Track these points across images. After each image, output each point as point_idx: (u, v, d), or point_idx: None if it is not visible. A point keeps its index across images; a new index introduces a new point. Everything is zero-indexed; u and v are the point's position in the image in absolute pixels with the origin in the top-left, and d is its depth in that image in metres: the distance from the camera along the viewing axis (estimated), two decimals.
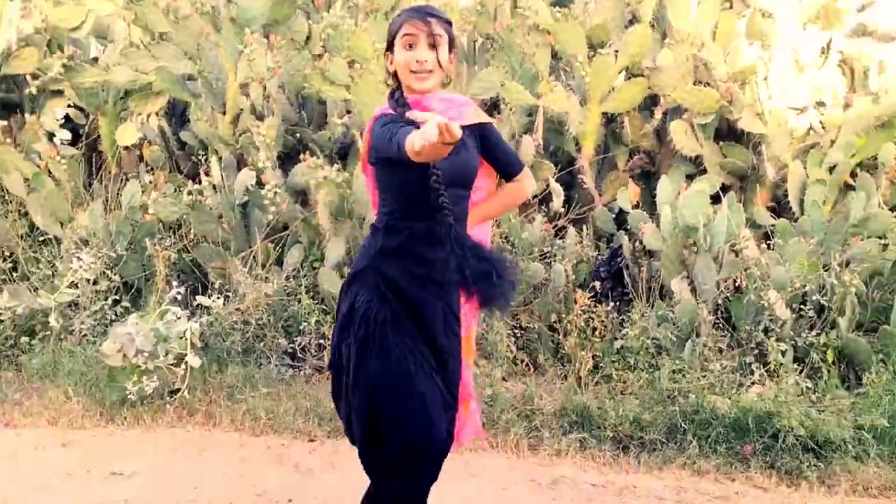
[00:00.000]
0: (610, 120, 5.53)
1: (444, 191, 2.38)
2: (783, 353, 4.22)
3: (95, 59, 6.05)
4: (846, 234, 4.72)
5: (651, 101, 5.44)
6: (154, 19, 5.68)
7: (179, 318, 4.42)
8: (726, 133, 5.42)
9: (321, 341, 4.69)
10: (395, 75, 2.53)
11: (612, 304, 4.69)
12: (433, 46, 2.45)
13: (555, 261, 4.87)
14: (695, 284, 4.60)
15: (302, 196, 5.27)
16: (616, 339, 4.54)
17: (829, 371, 4.22)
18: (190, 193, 5.06)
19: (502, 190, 2.73)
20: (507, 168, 2.67)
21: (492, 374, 4.29)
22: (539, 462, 3.86)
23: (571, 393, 4.24)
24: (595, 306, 4.61)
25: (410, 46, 2.45)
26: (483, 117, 2.58)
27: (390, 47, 2.51)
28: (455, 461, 3.57)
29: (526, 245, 4.90)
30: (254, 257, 5.00)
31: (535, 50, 5.37)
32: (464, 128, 2.42)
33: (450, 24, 2.51)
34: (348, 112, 5.40)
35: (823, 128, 5.21)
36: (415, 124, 2.24)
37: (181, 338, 4.32)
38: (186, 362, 4.30)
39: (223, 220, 5.10)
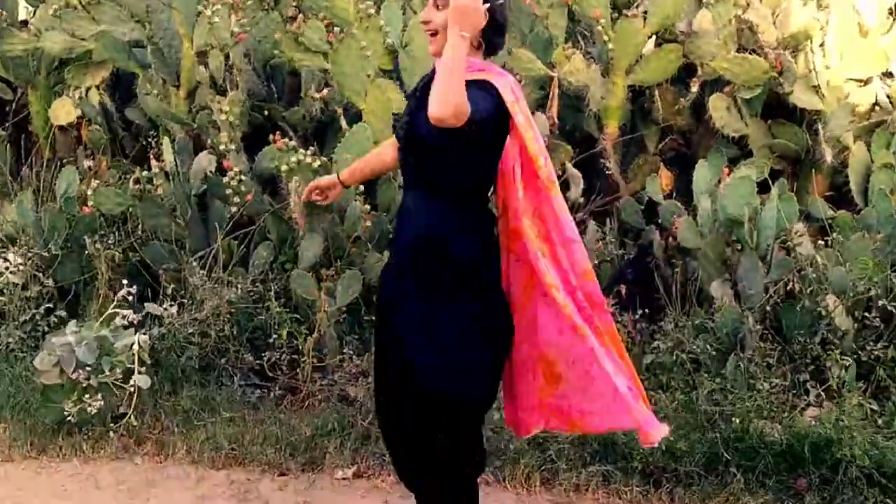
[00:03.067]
0: (638, 94, 5.54)
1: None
2: (844, 370, 4.23)
3: (25, 23, 6.05)
4: None
5: (687, 72, 5.45)
6: None
7: (131, 323, 4.41)
8: (776, 109, 5.42)
9: (294, 356, 4.70)
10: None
11: (640, 311, 4.70)
12: (440, 7, 2.72)
13: None
14: (739, 288, 4.60)
15: (271, 185, 5.26)
16: (646, 353, 4.55)
17: None
18: (137, 182, 5.06)
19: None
20: None
21: (498, 397, 4.28)
22: (554, 499, 3.87)
23: None
24: (620, 314, 4.62)
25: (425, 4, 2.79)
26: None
27: None
28: None
29: None
30: (213, 257, 5.00)
31: (548, 11, 5.38)
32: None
33: None
34: (327, 85, 5.41)
35: (891, 103, 5.22)
36: None
37: (128, 352, 4.32)
38: (134, 382, 4.30)
39: (177, 213, 5.11)
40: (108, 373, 4.28)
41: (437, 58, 2.79)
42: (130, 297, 4.58)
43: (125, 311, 4.44)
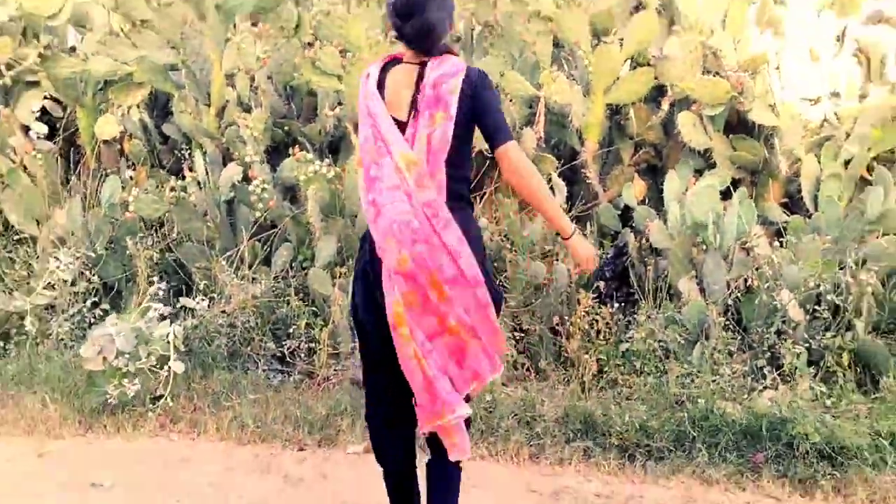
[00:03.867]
0: (615, 112, 5.53)
1: None
2: (797, 357, 4.22)
3: (73, 49, 6.04)
4: (862, 231, 4.71)
5: (658, 92, 5.43)
6: (135, 6, 5.67)
7: (164, 317, 4.41)
8: (737, 125, 5.40)
9: (311, 345, 4.69)
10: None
11: (616, 305, 4.68)
12: None
13: (557, 260, 4.86)
14: (704, 284, 4.59)
15: (291, 192, 5.26)
16: (621, 341, 4.53)
17: (844, 375, 4.22)
18: (173, 190, 5.05)
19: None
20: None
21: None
22: (541, 471, 3.86)
23: (575, 399, 4.23)
24: (599, 308, 4.61)
25: None
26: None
27: None
28: None
29: (526, 243, 4.89)
30: (240, 257, 4.99)
31: (536, 38, 5.37)
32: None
33: None
34: (339, 104, 5.39)
35: (839, 119, 5.20)
36: None
37: (164, 341, 4.32)
38: (170, 367, 4.29)
39: (208, 217, 5.09)
40: (144, 359, 4.27)
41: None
42: (161, 293, 4.58)
43: (157, 305, 4.43)
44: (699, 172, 5.21)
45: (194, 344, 4.62)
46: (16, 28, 6.04)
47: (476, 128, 2.72)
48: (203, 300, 4.73)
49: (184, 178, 5.17)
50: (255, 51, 5.39)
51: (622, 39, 5.25)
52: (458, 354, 2.72)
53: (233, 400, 4.39)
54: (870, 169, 5.08)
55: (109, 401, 4.22)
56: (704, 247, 4.64)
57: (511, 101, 5.22)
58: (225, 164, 5.26)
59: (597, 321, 4.57)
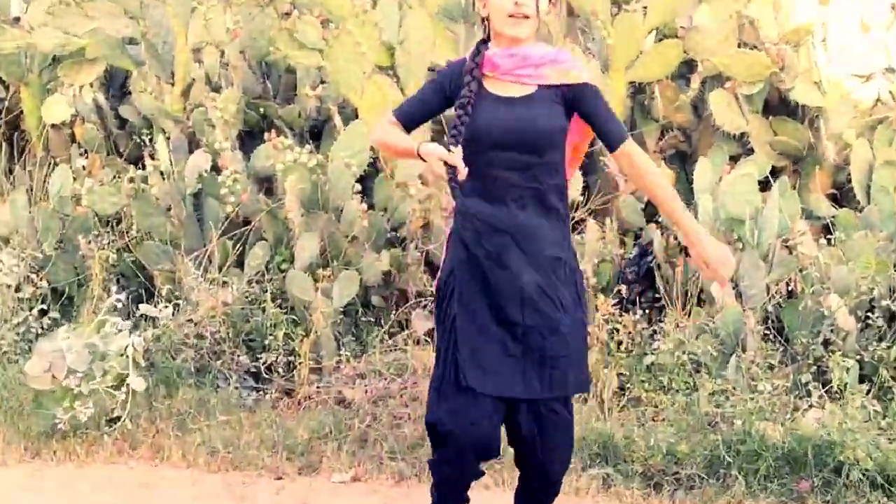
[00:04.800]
0: (637, 90, 5.53)
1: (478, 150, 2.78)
2: (847, 371, 4.21)
3: (17, 20, 6.03)
4: None
5: (687, 68, 5.44)
6: None
7: (120, 330, 4.41)
8: (777, 106, 5.42)
9: (290, 358, 4.68)
10: (485, 20, 2.87)
11: (640, 312, 4.68)
12: None
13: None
14: (740, 288, 4.59)
15: (267, 184, 5.26)
16: (646, 354, 4.53)
17: None
18: (131, 181, 5.06)
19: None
20: (606, 139, 2.88)
21: None
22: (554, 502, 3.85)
23: (592, 419, 4.23)
24: (621, 315, 4.61)
25: None
26: (571, 77, 2.81)
27: None
28: None
29: None
30: (209, 258, 4.99)
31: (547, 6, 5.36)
32: (546, 86, 2.80)
33: None
34: (322, 82, 5.40)
35: (894, 99, 5.20)
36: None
37: (122, 355, 4.31)
38: (128, 385, 4.29)
39: (172, 212, 5.10)
40: (99, 378, 4.26)
41: (518, 42, 2.82)
42: (120, 304, 4.57)
43: (114, 319, 4.42)
44: (734, 160, 5.21)
45: (156, 357, 4.61)
46: None
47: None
48: (166, 307, 4.71)
49: (144, 167, 5.17)
50: (225, 21, 5.39)
51: (646, 8, 5.26)
52: None
53: (200, 421, 4.38)
54: None
55: (59, 425, 4.22)
56: (741, 245, 4.64)
57: None
58: (191, 152, 5.26)
59: (618, 330, 4.58)
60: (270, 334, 4.71)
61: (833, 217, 4.95)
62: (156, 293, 5.00)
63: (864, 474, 3.77)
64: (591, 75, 2.90)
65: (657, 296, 4.82)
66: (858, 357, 4.29)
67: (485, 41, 2.89)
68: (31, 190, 5.48)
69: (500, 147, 2.79)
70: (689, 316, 4.59)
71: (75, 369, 4.23)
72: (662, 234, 4.92)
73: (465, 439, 2.83)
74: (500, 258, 2.83)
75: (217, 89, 5.38)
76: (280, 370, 4.69)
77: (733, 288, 4.61)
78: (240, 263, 5.05)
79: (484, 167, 2.81)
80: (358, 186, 4.98)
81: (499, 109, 2.82)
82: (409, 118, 3.00)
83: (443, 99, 2.96)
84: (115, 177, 5.34)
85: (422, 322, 4.74)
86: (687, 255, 4.82)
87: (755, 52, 5.18)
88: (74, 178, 5.31)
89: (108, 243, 5.12)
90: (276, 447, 4.20)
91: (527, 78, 2.81)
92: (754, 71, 5.16)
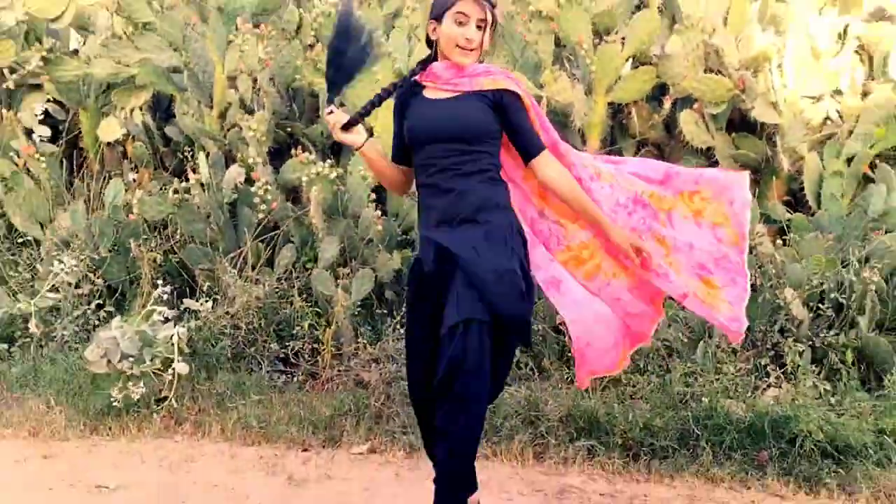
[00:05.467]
0: (617, 111, 5.53)
1: (430, 143, 2.86)
2: (800, 355, 4.22)
3: (76, 52, 6.04)
4: (865, 229, 4.72)
5: (660, 91, 5.43)
6: (137, 9, 5.67)
7: (168, 319, 4.42)
8: (739, 123, 5.42)
9: (315, 345, 4.69)
10: (433, 43, 2.92)
11: None
12: (480, 28, 2.83)
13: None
14: None
15: (293, 193, 5.27)
16: None
17: (848, 373, 4.22)
18: (176, 192, 5.06)
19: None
20: (520, 150, 2.92)
21: None
22: (544, 471, 3.86)
23: (578, 398, 4.23)
24: None
25: (461, 24, 2.82)
26: (500, 84, 2.85)
27: (438, 18, 2.86)
28: None
29: None
30: (243, 258, 5.00)
31: (537, 37, 5.37)
32: (481, 92, 2.85)
33: (494, 6, 2.86)
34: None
35: (841, 117, 5.20)
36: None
37: (168, 343, 4.33)
38: (174, 369, 4.30)
39: (211, 219, 5.10)
40: (148, 362, 4.28)
41: (462, 66, 2.87)
42: (166, 296, 4.57)
43: (160, 308, 4.44)
44: None
45: (198, 345, 4.62)
46: (18, 31, 6.06)
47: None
48: (207, 302, 4.73)
49: (187, 179, 5.17)
50: (257, 52, 5.39)
51: (624, 38, 5.26)
52: None
53: (237, 401, 4.40)
54: (872, 166, 5.09)
55: (114, 404, 4.23)
56: None
57: None
58: (227, 166, 5.26)
59: None
60: (297, 325, 4.73)
61: (788, 220, 4.95)
62: (197, 289, 5.01)
63: (815, 445, 3.78)
64: (523, 91, 2.89)
65: None
66: (810, 343, 4.30)
67: (432, 58, 2.94)
68: (89, 200, 5.48)
69: (431, 140, 2.86)
70: (663, 307, 4.57)
71: (128, 354, 4.24)
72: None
73: None
74: (439, 225, 2.90)
75: (250, 112, 5.38)
76: (306, 356, 4.70)
77: None
78: (270, 263, 5.06)
79: (425, 160, 2.90)
80: (373, 196, 4.98)
81: (430, 108, 2.89)
82: (397, 155, 3.06)
83: (402, 121, 3.00)
84: (161, 188, 5.35)
85: None
86: None
87: (720, 77, 5.18)
88: (126, 190, 5.32)
89: (156, 246, 5.13)
90: (302, 423, 4.21)
91: (462, 86, 2.86)
92: (719, 93, 5.16)
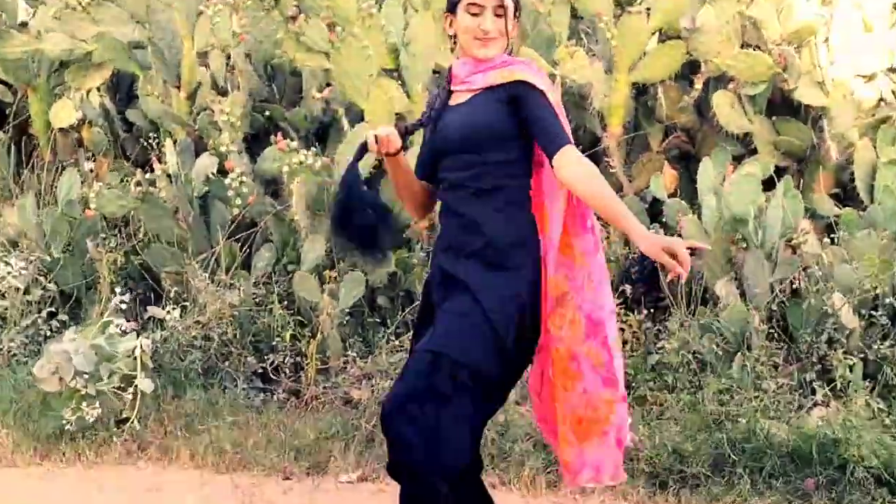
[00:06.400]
0: (641, 91, 5.52)
1: (442, 156, 2.87)
2: (851, 369, 4.22)
3: (24, 25, 6.03)
4: None
5: (690, 69, 5.43)
6: None
7: (127, 332, 4.42)
8: (780, 106, 5.41)
9: (297, 359, 4.70)
10: (454, 37, 2.89)
11: (645, 311, 4.69)
12: (500, 16, 2.79)
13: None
14: (744, 287, 4.59)
15: (273, 186, 5.27)
16: (650, 353, 4.54)
17: None
18: (139, 184, 5.06)
19: None
20: (542, 145, 2.79)
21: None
22: (559, 501, 3.86)
23: None
24: (625, 315, 4.62)
25: (475, 14, 2.79)
26: (515, 76, 2.78)
27: (452, 9, 2.84)
28: None
29: None
30: (216, 260, 5.00)
31: (550, 8, 5.37)
32: (491, 87, 2.80)
33: None
34: (328, 85, 5.40)
35: None
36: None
37: (129, 356, 4.32)
38: (136, 386, 4.30)
39: (179, 215, 5.11)
40: (106, 380, 4.28)
41: (484, 59, 2.83)
42: (125, 305, 4.57)
43: (119, 320, 4.43)
44: (738, 160, 5.20)
45: (164, 359, 4.62)
46: None
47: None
48: (174, 309, 4.74)
49: (151, 170, 5.18)
50: (231, 25, 5.39)
51: (649, 9, 5.25)
52: None
53: (209, 422, 4.40)
54: None
55: (67, 427, 4.23)
56: (745, 245, 4.64)
57: None
58: (198, 155, 5.27)
59: (623, 330, 4.57)
60: (277, 336, 4.73)
61: (836, 216, 4.94)
62: (163, 295, 5.01)
63: (868, 471, 3.77)
64: (546, 84, 2.83)
65: (661, 295, 4.82)
66: (862, 355, 4.29)
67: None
68: (40, 194, 5.49)
69: (450, 151, 2.84)
70: (693, 315, 4.59)
71: (82, 371, 4.24)
72: (667, 234, 4.91)
73: None
74: (447, 251, 2.87)
75: (223, 93, 5.38)
76: (287, 371, 4.70)
77: (737, 287, 4.62)
78: (246, 265, 5.06)
79: (440, 174, 2.89)
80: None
81: (448, 117, 2.87)
82: (421, 169, 3.03)
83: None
84: (122, 180, 5.36)
85: None
86: (692, 254, 4.83)
87: (758, 53, 5.17)
88: (82, 182, 5.33)
89: (116, 246, 5.14)
90: (283, 448, 4.21)
91: (475, 84, 2.84)
92: (757, 71, 5.15)
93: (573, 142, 2.80)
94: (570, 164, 2.72)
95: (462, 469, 2.78)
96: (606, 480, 2.92)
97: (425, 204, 3.08)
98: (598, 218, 2.95)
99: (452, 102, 2.90)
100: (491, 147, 2.78)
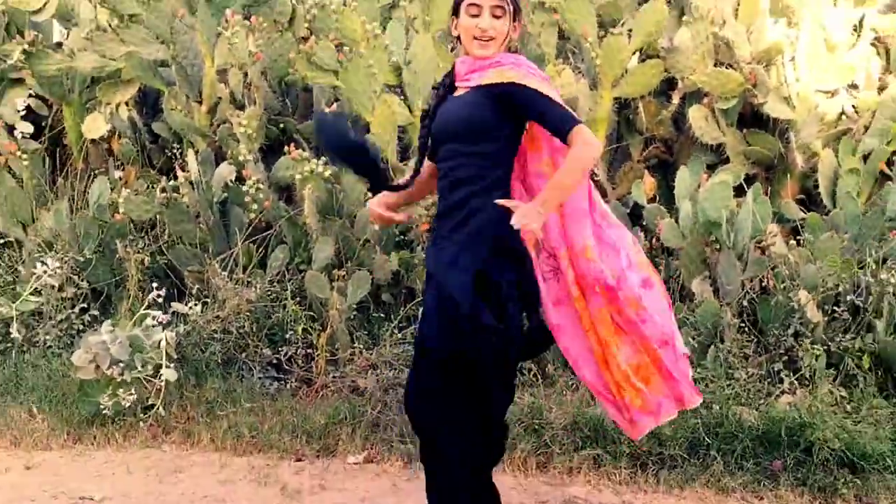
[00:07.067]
0: (623, 106, 5.52)
1: (439, 144, 2.92)
2: (815, 359, 4.21)
3: (59, 45, 6.03)
4: (883, 229, 4.71)
5: (668, 85, 5.42)
6: (123, 0, 5.66)
7: (161, 323, 4.42)
8: (750, 119, 5.40)
9: (308, 351, 4.69)
10: (458, 39, 2.93)
11: None
12: (497, 17, 2.84)
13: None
14: (718, 285, 4.59)
15: (286, 192, 5.26)
16: None
17: (865, 378, 4.21)
18: (164, 190, 5.05)
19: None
20: (554, 134, 2.81)
21: None
22: (549, 481, 3.86)
23: (583, 405, 4.22)
24: None
25: (474, 15, 2.84)
26: (506, 77, 2.80)
27: (456, 11, 2.89)
28: None
29: None
30: (234, 260, 4.99)
31: (540, 29, 5.36)
32: (479, 87, 2.83)
33: None
34: (336, 100, 5.40)
35: (856, 112, 5.20)
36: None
37: (156, 348, 4.32)
38: (161, 375, 4.29)
39: (200, 219, 5.10)
40: (139, 369, 4.27)
41: (482, 58, 2.87)
42: (160, 299, 4.56)
43: (155, 312, 4.43)
44: (712, 168, 5.20)
45: (187, 351, 4.61)
46: None
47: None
48: (196, 305, 4.72)
49: (175, 178, 5.18)
50: (248, 45, 5.38)
51: (630, 30, 5.24)
52: None
53: (227, 409, 4.39)
54: (889, 163, 5.10)
55: (103, 412, 4.22)
56: (718, 246, 4.64)
57: None
58: (217, 164, 5.26)
59: None
60: (290, 329, 4.72)
61: (802, 220, 4.94)
62: (186, 292, 5.00)
63: (831, 453, 3.77)
64: (536, 79, 2.81)
65: None
66: (826, 347, 4.28)
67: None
68: (73, 199, 5.48)
69: (443, 140, 2.89)
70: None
71: (118, 359, 4.23)
72: (646, 236, 4.91)
73: None
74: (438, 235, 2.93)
75: (241, 107, 5.37)
76: (299, 362, 4.69)
77: (711, 285, 4.61)
78: (262, 265, 5.04)
79: (440, 163, 2.93)
80: (370, 195, 4.95)
81: (445, 108, 2.94)
82: (424, 150, 3.08)
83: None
84: (148, 187, 5.34)
85: None
86: (669, 254, 4.84)
87: (730, 71, 5.17)
88: (112, 189, 5.31)
89: (143, 247, 5.12)
90: (296, 431, 4.21)
91: (472, 81, 2.87)
92: (729, 87, 5.15)
93: (578, 119, 2.80)
94: (575, 144, 2.72)
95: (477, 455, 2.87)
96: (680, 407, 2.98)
97: (427, 183, 3.12)
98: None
99: (454, 95, 2.95)
100: (476, 137, 2.82)
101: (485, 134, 2.83)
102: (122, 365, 4.24)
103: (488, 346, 2.74)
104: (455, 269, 2.78)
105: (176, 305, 4.69)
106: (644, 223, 5.01)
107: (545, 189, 2.76)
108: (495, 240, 2.78)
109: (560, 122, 2.76)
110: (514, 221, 2.65)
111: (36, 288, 4.90)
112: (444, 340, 2.78)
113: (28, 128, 5.74)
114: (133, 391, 4.24)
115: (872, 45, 5.27)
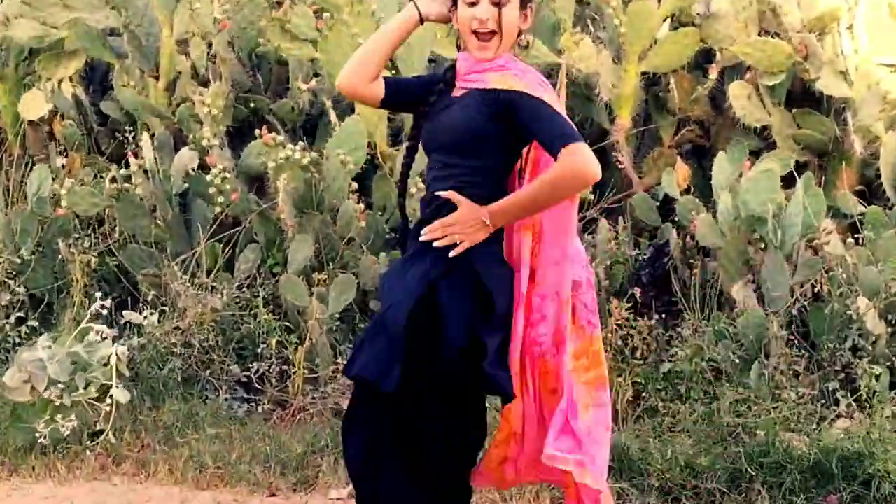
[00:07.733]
0: (652, 82, 5.55)
1: (427, 151, 2.93)
2: (876, 378, 4.23)
3: None
4: None
5: (704, 58, 5.45)
6: None
7: (105, 338, 4.41)
8: (801, 97, 5.43)
9: (283, 367, 4.71)
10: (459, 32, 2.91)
11: (656, 316, 4.70)
12: (497, 5, 2.77)
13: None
14: (762, 291, 4.61)
15: (258, 182, 5.28)
16: (662, 361, 4.55)
17: None
18: (114, 181, 5.07)
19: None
20: (545, 146, 2.77)
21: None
22: None
23: None
24: (635, 320, 4.63)
25: (472, 4, 2.78)
26: (508, 84, 2.76)
27: (454, 2, 2.84)
28: None
29: None
30: (196, 261, 5.01)
31: None
32: (478, 90, 2.81)
33: None
34: (316, 75, 5.42)
35: None
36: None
37: (105, 365, 4.33)
38: (111, 396, 4.30)
39: (157, 214, 5.12)
40: (82, 391, 4.28)
41: (485, 61, 2.83)
42: (104, 311, 4.57)
43: (99, 326, 4.43)
44: (755, 155, 5.23)
45: (141, 367, 4.63)
46: None
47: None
48: (152, 314, 4.73)
49: (127, 166, 5.19)
50: (213, 11, 5.40)
51: None
52: None
53: (189, 435, 4.40)
54: None
55: (40, 440, 4.23)
56: (763, 245, 4.65)
57: None
58: (177, 149, 5.28)
59: (632, 336, 4.59)
60: (262, 342, 4.74)
61: (861, 214, 4.96)
62: (140, 299, 5.02)
63: (895, 488, 3.78)
64: (545, 92, 2.80)
65: (674, 299, 4.83)
66: (888, 363, 4.31)
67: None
68: (8, 191, 5.51)
69: (433, 149, 2.90)
70: (708, 321, 4.60)
71: (57, 380, 4.24)
72: (679, 233, 4.93)
73: None
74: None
75: (204, 83, 5.39)
76: (273, 380, 4.71)
77: (755, 291, 4.63)
78: (229, 267, 5.07)
79: (427, 171, 2.94)
80: (355, 185, 4.99)
81: (438, 113, 2.90)
82: (393, 81, 3.08)
83: (421, 91, 2.99)
84: (96, 176, 5.37)
85: None
86: (706, 255, 4.85)
87: (777, 41, 5.19)
88: (53, 178, 5.32)
89: (90, 247, 5.15)
90: (269, 462, 4.21)
91: (472, 83, 2.84)
92: (776, 60, 5.17)
93: (579, 137, 2.75)
94: (562, 159, 2.68)
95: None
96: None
97: (373, 79, 3.01)
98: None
99: (453, 94, 2.91)
100: (463, 147, 2.81)
101: (475, 147, 2.81)
102: (60, 386, 4.24)
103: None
104: (400, 291, 2.79)
105: (128, 315, 4.71)
106: (676, 218, 5.04)
107: (509, 197, 2.79)
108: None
109: (552, 135, 2.71)
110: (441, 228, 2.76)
111: None
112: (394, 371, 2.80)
113: None
114: (74, 416, 4.24)
115: None
